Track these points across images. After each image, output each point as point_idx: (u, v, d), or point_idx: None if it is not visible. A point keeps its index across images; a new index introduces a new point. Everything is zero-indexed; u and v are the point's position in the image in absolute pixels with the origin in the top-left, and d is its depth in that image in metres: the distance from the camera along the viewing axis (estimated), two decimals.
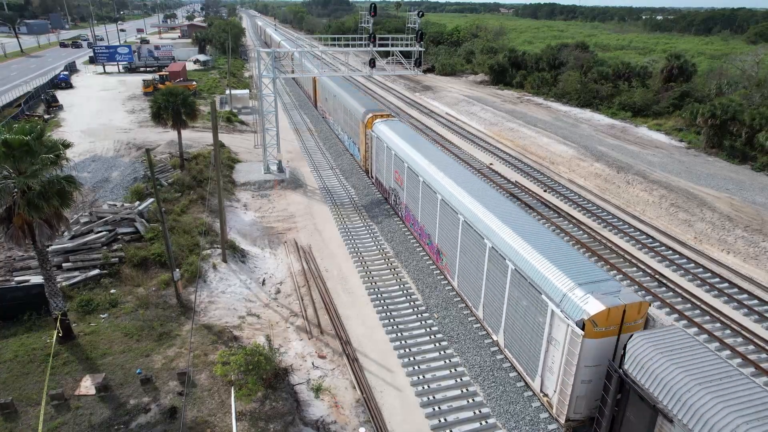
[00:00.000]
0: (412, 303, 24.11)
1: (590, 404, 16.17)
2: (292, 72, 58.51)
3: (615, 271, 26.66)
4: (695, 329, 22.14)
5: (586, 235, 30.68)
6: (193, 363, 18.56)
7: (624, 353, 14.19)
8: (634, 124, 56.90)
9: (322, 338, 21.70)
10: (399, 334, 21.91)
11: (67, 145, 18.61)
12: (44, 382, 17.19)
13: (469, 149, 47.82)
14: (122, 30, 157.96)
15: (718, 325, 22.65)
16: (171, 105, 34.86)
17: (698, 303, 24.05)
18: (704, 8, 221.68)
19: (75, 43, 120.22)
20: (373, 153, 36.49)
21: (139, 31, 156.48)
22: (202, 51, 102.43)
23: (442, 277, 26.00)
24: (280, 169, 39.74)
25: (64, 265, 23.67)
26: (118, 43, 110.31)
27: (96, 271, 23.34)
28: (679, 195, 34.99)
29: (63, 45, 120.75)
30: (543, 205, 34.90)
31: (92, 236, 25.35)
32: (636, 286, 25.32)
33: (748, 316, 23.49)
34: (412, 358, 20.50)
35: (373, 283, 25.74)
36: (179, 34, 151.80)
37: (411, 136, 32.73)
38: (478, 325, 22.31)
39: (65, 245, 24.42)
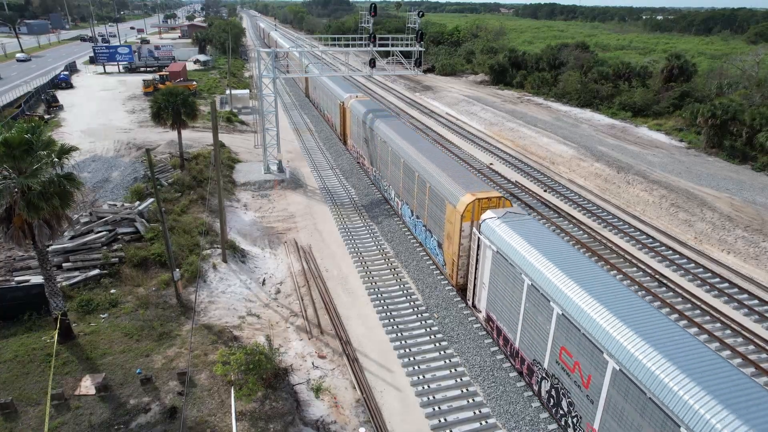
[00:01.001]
0: (412, 303, 24.10)
1: None
2: (307, 87, 55.14)
3: (615, 271, 26.66)
4: (695, 329, 22.15)
5: (586, 235, 30.67)
6: (193, 363, 18.56)
7: None
8: (634, 124, 56.88)
9: (322, 338, 21.69)
10: (399, 334, 21.90)
11: (68, 150, 18.39)
12: (44, 382, 17.18)
13: (470, 149, 47.81)
14: (132, 28, 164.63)
15: (719, 325, 22.64)
16: (171, 105, 34.85)
17: (698, 303, 24.04)
18: (704, 8, 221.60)
19: (92, 38, 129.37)
20: (483, 273, 21.05)
21: (140, 31, 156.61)
22: (202, 51, 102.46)
23: (442, 276, 25.98)
24: (280, 169, 39.73)
25: (64, 265, 23.66)
26: (118, 43, 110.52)
27: (96, 271, 23.33)
28: (680, 195, 34.97)
29: (83, 39, 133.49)
30: (543, 205, 34.89)
31: (92, 236, 25.35)
32: (636, 286, 25.31)
33: (749, 316, 23.48)
34: (412, 358, 20.49)
35: (373, 283, 25.73)
36: (179, 34, 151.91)
37: (589, 271, 16.80)
38: (478, 325, 22.30)
39: (65, 245, 24.42)
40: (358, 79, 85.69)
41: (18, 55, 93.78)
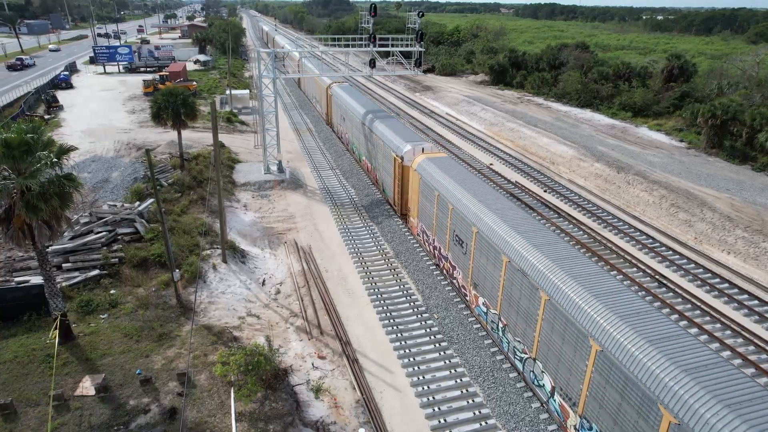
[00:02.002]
0: (412, 303, 24.09)
1: None
2: (329, 110, 46.98)
3: (615, 272, 26.64)
4: (696, 330, 22.13)
5: (586, 236, 30.66)
6: (193, 363, 18.55)
7: None
8: (634, 124, 56.87)
9: (322, 339, 21.69)
10: (399, 335, 21.89)
11: (66, 150, 18.40)
12: (44, 383, 17.18)
13: (470, 149, 47.80)
14: (140, 26, 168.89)
15: (719, 325, 22.63)
16: (171, 105, 34.85)
17: (698, 303, 24.03)
18: (705, 8, 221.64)
19: (107, 35, 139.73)
20: None
21: (140, 31, 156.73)
22: (202, 51, 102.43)
23: (442, 277, 25.97)
24: (281, 170, 39.73)
25: (64, 265, 23.66)
26: (118, 43, 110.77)
27: (96, 272, 23.33)
28: (680, 195, 34.96)
29: (100, 35, 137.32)
30: (543, 205, 34.88)
31: (92, 237, 25.34)
32: (636, 287, 25.30)
33: (749, 316, 23.47)
34: (412, 359, 20.48)
35: (373, 284, 25.72)
36: (179, 35, 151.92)
37: None
38: (478, 325, 22.30)
39: (65, 246, 24.41)
40: (358, 79, 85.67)
41: (50, 46, 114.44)
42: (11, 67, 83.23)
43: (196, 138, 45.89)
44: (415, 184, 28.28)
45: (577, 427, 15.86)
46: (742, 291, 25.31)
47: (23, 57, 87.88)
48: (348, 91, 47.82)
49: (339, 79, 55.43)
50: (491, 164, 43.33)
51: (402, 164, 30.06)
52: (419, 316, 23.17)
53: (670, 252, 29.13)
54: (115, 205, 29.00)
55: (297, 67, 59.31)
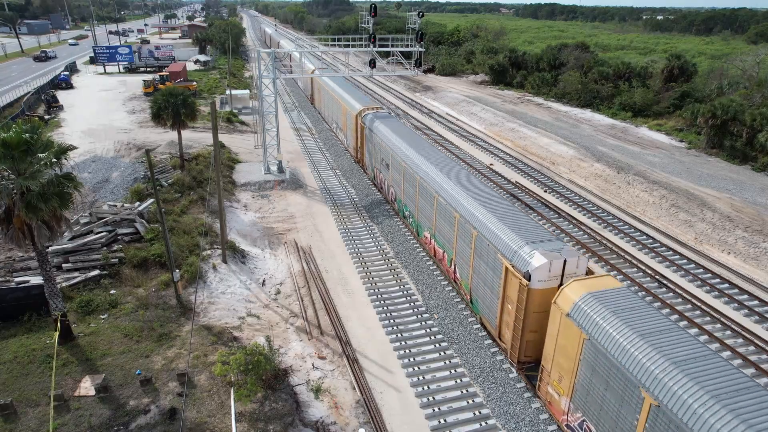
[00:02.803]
0: (412, 304, 24.09)
1: None
2: (359, 145, 37.71)
3: (615, 272, 26.64)
4: (696, 330, 22.13)
5: (586, 236, 30.66)
6: (193, 364, 18.55)
7: None
8: (634, 124, 56.86)
9: (322, 339, 21.68)
10: (399, 335, 21.88)
11: (65, 149, 18.39)
12: (44, 383, 17.18)
13: (470, 149, 47.79)
14: (145, 25, 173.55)
15: (719, 326, 22.62)
16: (171, 105, 34.84)
17: (698, 304, 24.02)
18: (705, 8, 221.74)
19: (117, 32, 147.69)
20: None
21: (140, 31, 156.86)
22: (202, 51, 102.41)
23: (443, 277, 25.97)
24: (281, 170, 39.72)
25: (64, 265, 23.66)
26: (118, 44, 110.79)
27: (96, 272, 23.33)
28: (680, 195, 34.95)
29: (110, 32, 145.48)
30: (543, 205, 34.88)
31: (92, 237, 25.34)
32: (636, 287, 25.30)
33: (749, 316, 23.46)
34: (412, 359, 20.47)
35: (373, 284, 25.72)
36: (180, 35, 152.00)
37: None
38: (479, 325, 22.30)
39: (65, 246, 24.41)
40: (358, 79, 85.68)
41: (70, 40, 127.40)
42: (37, 59, 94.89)
43: (196, 138, 45.89)
44: (570, 340, 15.36)
45: None
46: (742, 291, 25.30)
47: (46, 50, 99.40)
48: (396, 129, 33.55)
49: (373, 104, 42.42)
50: (491, 164, 43.33)
51: (528, 288, 17.41)
52: (419, 316, 23.17)
53: (670, 252, 29.13)
54: (115, 206, 29.00)
55: (310, 81, 55.55)
